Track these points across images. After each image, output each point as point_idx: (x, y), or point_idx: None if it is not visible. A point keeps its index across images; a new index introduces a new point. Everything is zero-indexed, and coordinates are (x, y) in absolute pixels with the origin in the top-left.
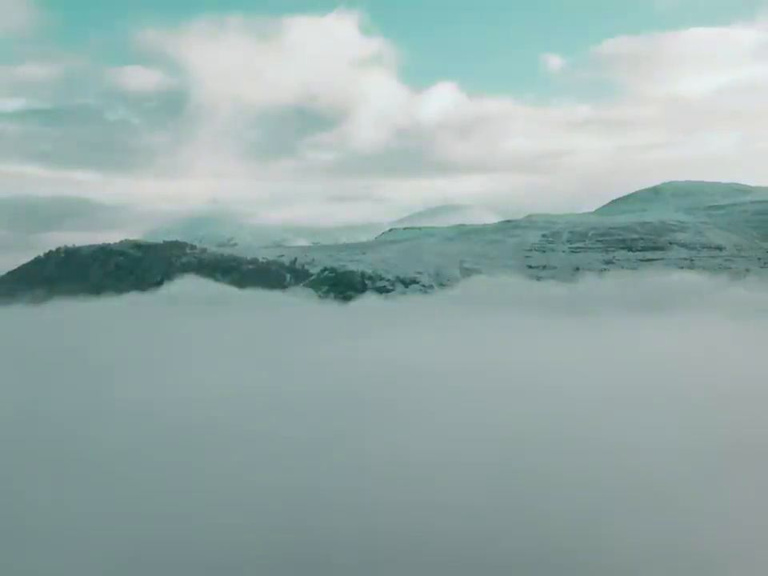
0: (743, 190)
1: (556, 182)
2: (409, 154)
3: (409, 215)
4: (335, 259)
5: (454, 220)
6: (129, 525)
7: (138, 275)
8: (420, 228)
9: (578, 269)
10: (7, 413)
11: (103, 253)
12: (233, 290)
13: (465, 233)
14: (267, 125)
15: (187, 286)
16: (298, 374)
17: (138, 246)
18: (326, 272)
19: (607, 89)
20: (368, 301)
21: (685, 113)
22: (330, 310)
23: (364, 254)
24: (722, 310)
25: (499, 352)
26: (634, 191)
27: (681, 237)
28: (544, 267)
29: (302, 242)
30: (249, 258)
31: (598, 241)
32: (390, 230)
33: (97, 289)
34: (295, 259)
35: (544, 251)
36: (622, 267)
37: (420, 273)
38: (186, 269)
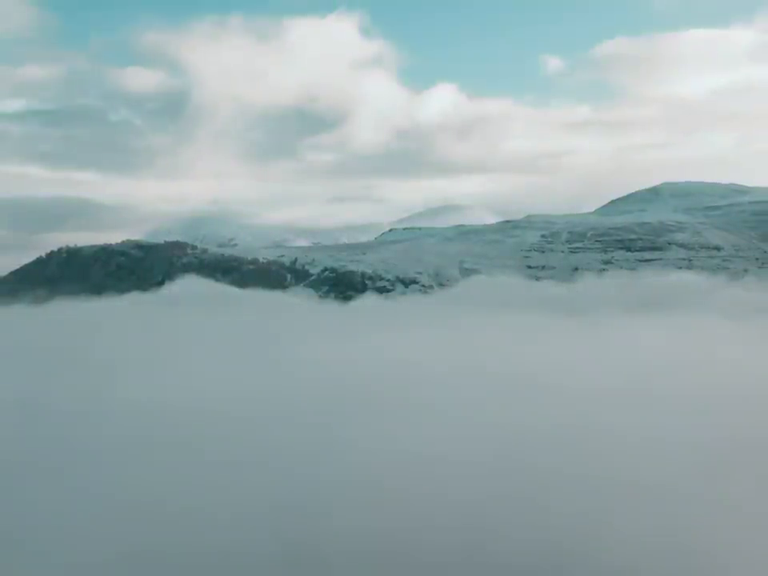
0: (741, 190)
1: (555, 183)
2: (409, 154)
3: (409, 216)
4: (335, 259)
5: (453, 220)
6: (128, 525)
7: (139, 275)
8: (420, 228)
9: (576, 269)
10: (8, 412)
11: (105, 253)
12: (233, 290)
13: (464, 233)
14: (268, 126)
15: (188, 286)
16: (298, 373)
17: (139, 246)
18: (327, 272)
19: (606, 90)
20: (368, 301)
21: (683, 114)
22: (331, 310)
23: (364, 254)
24: (721, 310)
25: (498, 351)
26: (632, 192)
27: (679, 237)
28: (543, 267)
29: (303, 243)
30: (249, 258)
31: (596, 241)
32: (390, 231)
33: (98, 289)
34: (296, 259)
35: (543, 251)
36: (621, 267)
37: (420, 273)
38: (187, 269)
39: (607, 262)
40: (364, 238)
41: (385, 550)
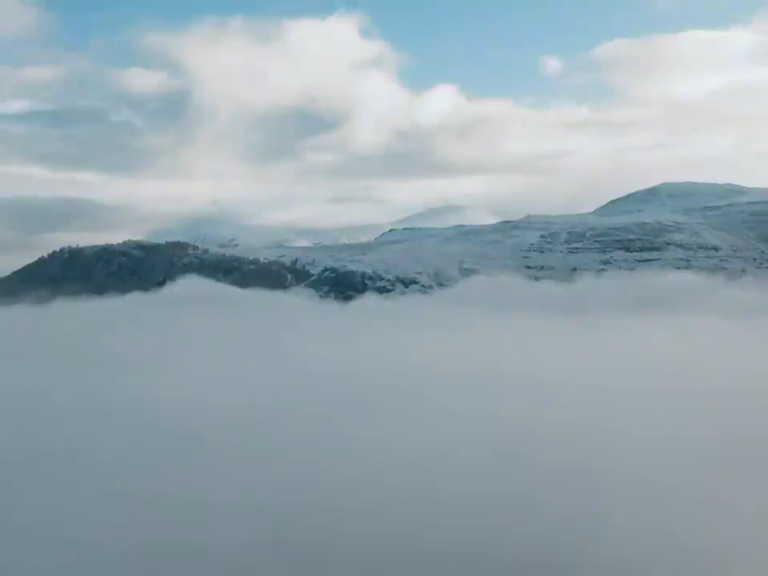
0: (739, 191)
1: (554, 183)
2: (409, 155)
3: (409, 216)
4: (336, 259)
5: (453, 221)
6: (128, 524)
7: (140, 275)
8: (420, 228)
9: (575, 269)
10: (11, 411)
11: (106, 253)
12: (234, 290)
13: (464, 233)
14: (268, 126)
15: (189, 286)
16: (298, 372)
17: (140, 246)
18: (327, 272)
19: (605, 91)
20: (368, 301)
21: (682, 114)
22: (331, 310)
23: (364, 254)
24: (719, 310)
25: (498, 351)
26: (631, 192)
27: (677, 237)
28: (542, 267)
29: (303, 243)
30: (250, 258)
31: (595, 241)
32: (390, 231)
33: (100, 289)
34: (296, 260)
35: (542, 251)
36: (620, 267)
37: (420, 273)
38: (188, 269)
39: (606, 262)
40: (364, 239)
41: (385, 549)
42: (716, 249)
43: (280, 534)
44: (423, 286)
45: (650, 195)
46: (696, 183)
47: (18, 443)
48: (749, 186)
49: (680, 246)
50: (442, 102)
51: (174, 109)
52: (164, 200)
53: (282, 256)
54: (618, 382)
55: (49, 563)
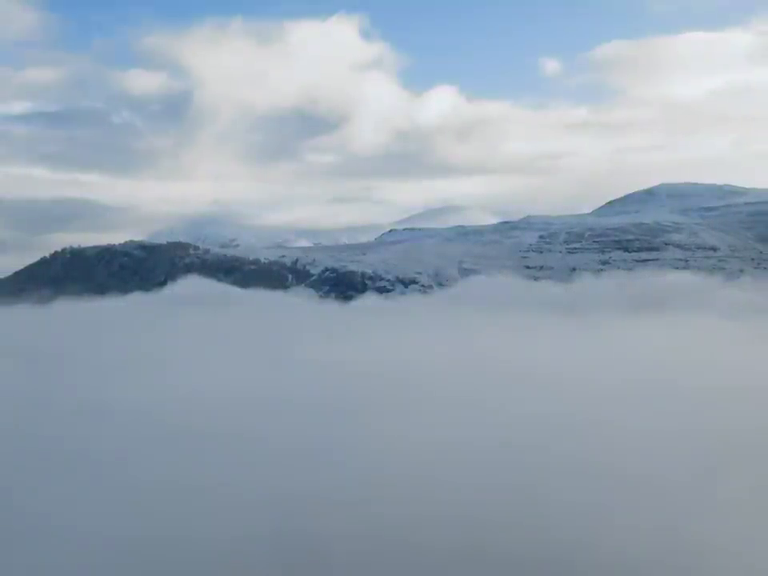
0: (737, 191)
1: (553, 184)
2: (409, 156)
3: (409, 216)
4: (336, 260)
5: (453, 221)
6: (128, 525)
7: (142, 275)
8: (419, 229)
9: (574, 269)
10: (12, 411)
11: (108, 253)
12: (235, 290)
13: (464, 234)
14: (269, 127)
15: (190, 286)
16: (298, 372)
17: (142, 246)
18: (327, 272)
19: (604, 92)
20: (368, 301)
21: (681, 115)
22: (331, 310)
23: (364, 254)
24: (717, 310)
25: (497, 351)
26: (630, 193)
27: (676, 238)
28: (541, 267)
29: (304, 243)
30: (251, 258)
31: (594, 242)
32: (390, 231)
33: (101, 289)
34: (297, 260)
35: (541, 252)
36: (618, 268)
37: (419, 273)
38: (189, 269)
39: (605, 263)
40: (364, 239)
41: (385, 547)
42: (714, 249)
43: (280, 533)
44: (423, 286)
45: (649, 196)
46: (694, 184)
47: (19, 442)
48: (747, 187)
49: (678, 246)
50: (442, 102)
51: (175, 110)
52: (165, 201)
53: (283, 256)
54: (616, 381)
55: (50, 560)
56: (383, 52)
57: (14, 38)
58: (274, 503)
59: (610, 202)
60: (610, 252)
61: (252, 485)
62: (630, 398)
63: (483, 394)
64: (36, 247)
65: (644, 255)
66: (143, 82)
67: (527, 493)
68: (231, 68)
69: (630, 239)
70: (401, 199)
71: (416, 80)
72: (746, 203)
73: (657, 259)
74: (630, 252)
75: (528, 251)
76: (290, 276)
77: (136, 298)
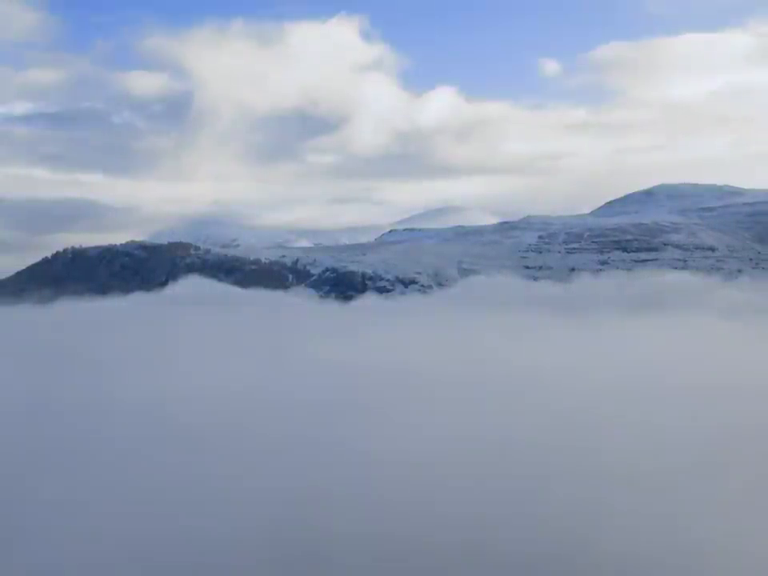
0: (736, 192)
1: (553, 185)
2: (409, 156)
3: (408, 217)
4: (336, 260)
5: (452, 221)
6: (130, 523)
7: (143, 275)
8: (419, 229)
9: (573, 269)
10: (14, 410)
11: (109, 254)
12: (236, 290)
13: (463, 234)
14: (270, 128)
15: (191, 286)
16: (299, 372)
17: (143, 246)
18: (328, 272)
19: (603, 93)
20: (368, 300)
21: (679, 116)
22: (331, 310)
23: (364, 254)
24: (715, 310)
25: (497, 350)
26: (629, 193)
27: (674, 238)
28: (540, 267)
29: (304, 244)
30: (252, 258)
31: (593, 242)
32: (390, 232)
33: (103, 289)
34: (297, 260)
35: (540, 252)
36: (617, 268)
37: (419, 273)
38: (190, 269)
39: (604, 263)
40: (364, 239)
41: (385, 547)
42: (713, 249)
43: (280, 532)
44: (423, 286)
45: (648, 196)
46: (693, 184)
47: (21, 442)
48: (745, 187)
49: (677, 246)
50: (442, 103)
51: (176, 111)
52: (166, 201)
53: (283, 256)
54: (615, 380)
55: (50, 560)
56: (383, 53)
57: (15, 39)
58: (274, 502)
59: (609, 203)
60: (609, 252)
61: (252, 484)
62: (629, 397)
63: (483, 393)
64: (37, 247)
65: (643, 255)
66: (144, 82)
67: (528, 491)
68: (232, 69)
69: (629, 239)
70: (401, 199)
71: (416, 81)
72: (745, 204)
73: (656, 259)
74: (628, 252)
75: (527, 251)
76: (290, 276)
77: (137, 298)
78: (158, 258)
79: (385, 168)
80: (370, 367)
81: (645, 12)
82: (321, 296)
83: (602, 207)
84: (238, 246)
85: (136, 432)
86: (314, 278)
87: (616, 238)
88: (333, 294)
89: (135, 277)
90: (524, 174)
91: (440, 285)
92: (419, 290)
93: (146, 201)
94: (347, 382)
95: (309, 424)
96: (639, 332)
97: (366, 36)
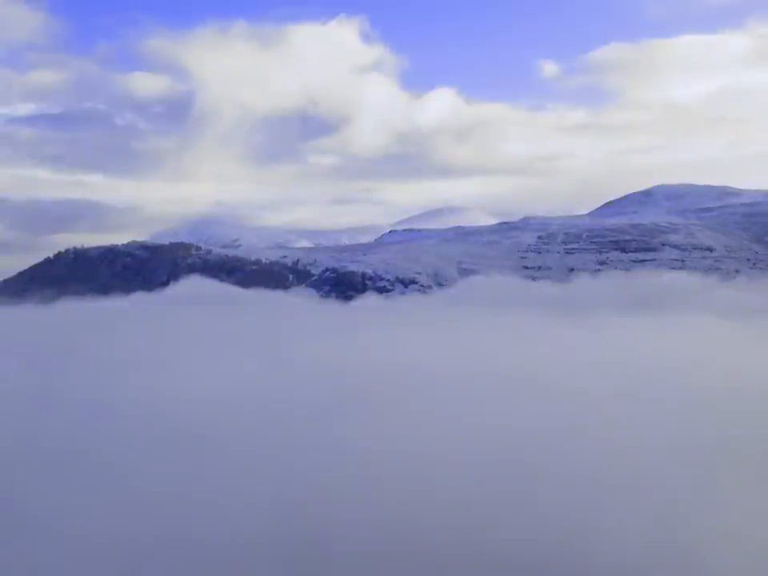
0: (734, 192)
1: (551, 185)
2: (408, 157)
3: (408, 217)
4: (337, 260)
5: (452, 222)
6: (131, 523)
7: (144, 276)
8: (419, 230)
9: (572, 269)
10: (16, 410)
11: (111, 254)
12: (237, 290)
13: (463, 234)
14: (270, 129)
15: (192, 286)
16: (299, 371)
17: (144, 247)
18: (328, 272)
19: (602, 94)
20: (368, 300)
21: (677, 117)
22: (332, 310)
23: (365, 255)
24: (713, 310)
25: (496, 350)
26: (627, 194)
27: (672, 238)
28: (539, 268)
29: (305, 244)
30: (252, 259)
31: (591, 242)
32: (390, 232)
33: (105, 289)
34: (298, 260)
35: (539, 252)
36: (616, 268)
37: (419, 273)
38: (192, 269)
39: (602, 263)
40: (364, 239)
41: (384, 548)
42: (710, 249)
43: (280, 532)
44: (422, 286)
45: (646, 197)
46: (691, 185)
47: (23, 441)
48: (743, 188)
49: (675, 246)
50: (442, 104)
51: (178, 112)
52: (168, 202)
53: (284, 257)
54: (614, 381)
55: (50, 560)
56: (383, 54)
57: (17, 41)
58: (273, 502)
59: (607, 203)
60: (607, 252)
61: (251, 483)
62: (628, 397)
63: (482, 393)
64: (40, 247)
65: (641, 256)
66: (146, 84)
67: (528, 491)
68: (233, 70)
69: (628, 240)
70: (401, 200)
71: (415, 82)
72: (743, 204)
73: (654, 260)
74: (627, 252)
75: (526, 251)
76: (290, 276)
77: (139, 298)
78: (160, 259)
79: (385, 168)
80: (370, 367)
81: (644, 13)
82: (321, 296)
83: (600, 208)
84: (239, 246)
85: (137, 431)
86: (314, 278)
87: (614, 239)
88: (333, 294)
89: (137, 277)
90: (523, 174)
91: (440, 285)
92: (419, 290)
93: (148, 201)
94: (347, 381)
95: (309, 424)
96: (637, 332)
97: (366, 37)
